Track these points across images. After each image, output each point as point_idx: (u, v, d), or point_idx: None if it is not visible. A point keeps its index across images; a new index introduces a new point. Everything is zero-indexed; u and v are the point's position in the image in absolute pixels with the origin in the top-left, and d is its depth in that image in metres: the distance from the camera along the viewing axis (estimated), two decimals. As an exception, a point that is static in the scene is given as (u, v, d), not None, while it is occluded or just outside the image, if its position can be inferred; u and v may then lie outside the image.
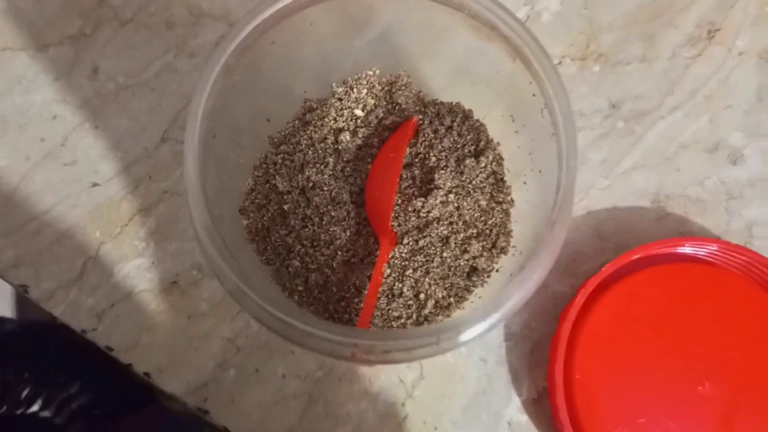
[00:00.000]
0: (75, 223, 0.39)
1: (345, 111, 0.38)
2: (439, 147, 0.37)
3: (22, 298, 0.76)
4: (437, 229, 0.36)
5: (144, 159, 0.40)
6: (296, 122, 0.38)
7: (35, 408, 0.45)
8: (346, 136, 0.37)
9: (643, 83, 0.42)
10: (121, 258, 0.38)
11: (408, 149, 0.38)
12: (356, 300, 0.35)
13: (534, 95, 0.31)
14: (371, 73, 0.38)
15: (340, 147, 0.37)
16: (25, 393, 0.48)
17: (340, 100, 0.38)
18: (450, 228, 0.36)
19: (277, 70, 0.34)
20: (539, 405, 0.37)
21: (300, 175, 0.37)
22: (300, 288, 0.35)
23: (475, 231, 0.36)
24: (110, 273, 0.38)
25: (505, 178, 0.37)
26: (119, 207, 0.39)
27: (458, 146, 0.38)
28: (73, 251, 0.38)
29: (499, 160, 0.37)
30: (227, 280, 0.27)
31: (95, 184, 0.39)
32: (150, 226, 0.39)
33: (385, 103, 0.39)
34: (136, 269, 0.38)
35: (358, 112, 0.38)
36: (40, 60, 0.41)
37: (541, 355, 0.37)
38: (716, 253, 0.37)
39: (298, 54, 0.34)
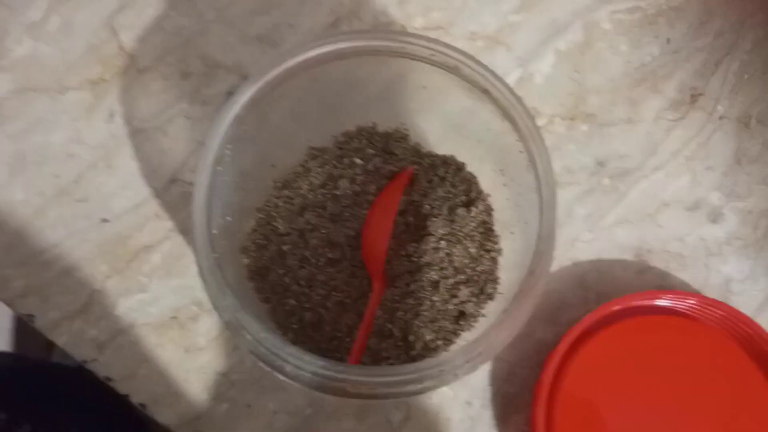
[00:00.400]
0: (83, 257, 0.41)
1: (345, 159, 0.40)
2: (433, 196, 0.39)
3: (18, 332, 0.77)
4: (428, 273, 0.38)
5: (153, 199, 0.42)
6: (299, 168, 0.40)
7: None
8: (344, 183, 0.39)
9: (627, 143, 0.44)
10: (125, 292, 0.40)
11: (403, 197, 0.40)
12: (348, 339, 0.37)
13: (521, 152, 0.33)
14: (371, 125, 0.41)
15: (338, 193, 0.39)
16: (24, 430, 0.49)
17: (340, 149, 0.40)
18: (440, 273, 0.38)
19: (283, 121, 0.37)
20: (522, 449, 0.38)
21: (299, 218, 0.39)
22: (295, 326, 0.37)
23: (464, 277, 0.38)
24: (114, 306, 0.40)
25: (494, 228, 0.39)
26: (126, 243, 0.41)
27: (451, 196, 0.40)
28: (79, 283, 0.40)
29: (488, 210, 0.39)
30: (225, 313, 0.28)
31: (105, 220, 0.41)
32: (154, 263, 0.41)
33: (383, 153, 0.41)
34: (139, 303, 0.40)
35: (357, 161, 0.40)
36: (61, 102, 0.44)
37: (524, 399, 0.39)
38: (694, 306, 0.39)
39: (304, 107, 0.36)
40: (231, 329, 0.29)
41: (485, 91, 0.34)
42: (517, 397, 0.39)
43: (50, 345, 0.73)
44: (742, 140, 0.44)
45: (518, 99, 0.32)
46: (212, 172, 0.30)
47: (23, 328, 0.77)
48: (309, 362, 0.27)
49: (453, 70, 0.34)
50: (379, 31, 0.34)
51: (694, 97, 0.45)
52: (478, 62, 0.33)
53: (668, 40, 0.46)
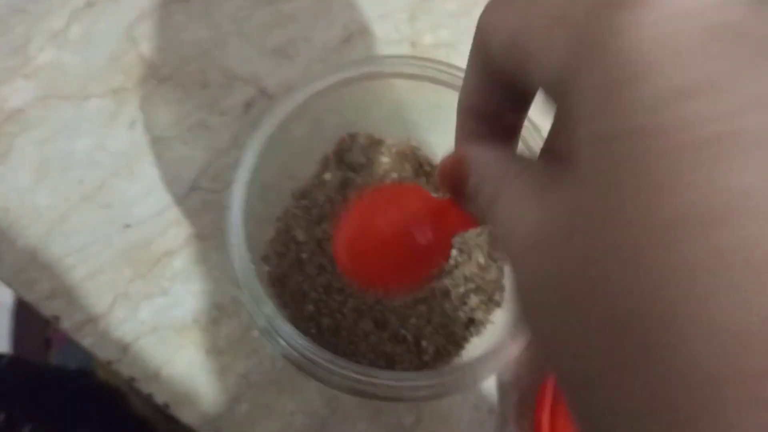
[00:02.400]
0: (107, 261, 0.42)
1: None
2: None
3: (16, 335, 0.78)
4: (440, 282, 0.40)
5: (174, 205, 0.43)
6: (316, 180, 0.42)
7: None
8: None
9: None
10: (148, 295, 0.42)
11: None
12: (364, 344, 0.39)
13: None
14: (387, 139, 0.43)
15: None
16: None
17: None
18: (452, 282, 0.40)
19: (304, 136, 0.38)
20: (526, 449, 0.40)
21: (317, 227, 0.41)
22: (313, 331, 0.39)
23: (473, 285, 0.40)
24: (137, 309, 0.41)
25: (502, 239, 0.41)
26: (149, 248, 0.43)
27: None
28: (104, 287, 0.42)
29: (496, 222, 0.42)
30: (260, 319, 0.30)
31: (128, 226, 0.43)
32: (176, 268, 0.42)
33: (397, 166, 0.43)
34: (161, 307, 0.42)
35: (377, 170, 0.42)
36: (84, 109, 0.45)
37: (530, 404, 0.41)
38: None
39: (324, 123, 0.38)
40: (265, 334, 0.31)
41: None
42: (523, 402, 0.41)
43: (47, 347, 0.74)
44: None
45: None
46: (248, 187, 0.32)
47: (21, 331, 0.77)
48: (343, 367, 0.29)
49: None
50: (394, 57, 0.36)
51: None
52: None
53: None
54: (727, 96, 0.11)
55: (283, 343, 0.30)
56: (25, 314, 0.79)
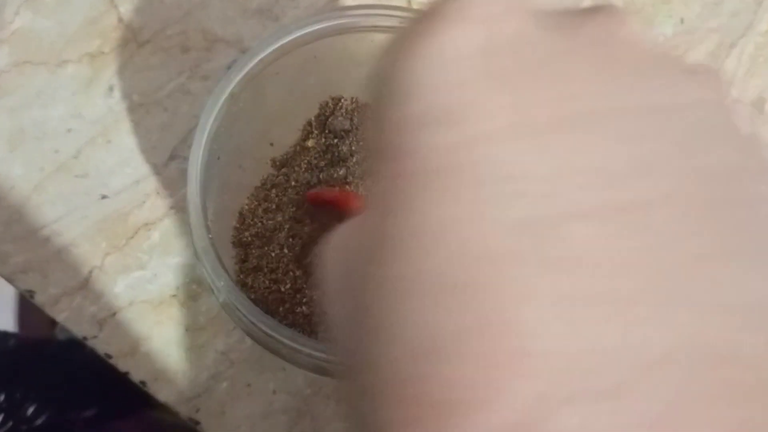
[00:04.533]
0: (83, 233, 0.40)
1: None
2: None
3: (23, 310, 0.78)
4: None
5: (152, 175, 0.42)
6: (297, 147, 0.40)
7: (38, 422, 0.47)
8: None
9: (636, 125, 0.43)
10: (125, 269, 0.40)
11: None
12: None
13: None
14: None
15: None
16: (30, 410, 0.50)
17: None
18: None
19: (281, 99, 0.36)
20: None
21: (297, 198, 0.38)
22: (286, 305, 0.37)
23: None
24: (113, 283, 0.40)
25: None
26: (126, 220, 0.41)
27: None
28: (79, 260, 0.40)
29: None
30: (221, 293, 0.28)
31: (104, 197, 0.41)
32: (154, 240, 0.41)
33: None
34: (138, 281, 0.40)
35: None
36: (59, 75, 0.43)
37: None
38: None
39: (301, 84, 0.36)
40: (227, 310, 0.29)
41: None
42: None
43: (53, 322, 0.74)
44: (756, 125, 0.43)
45: None
46: (208, 150, 0.30)
47: (25, 306, 0.77)
48: (304, 344, 0.27)
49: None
50: (376, 7, 0.33)
51: (707, 79, 0.44)
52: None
53: (682, 20, 0.45)
54: (466, 126, 0.12)
55: (245, 319, 0.28)
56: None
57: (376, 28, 0.33)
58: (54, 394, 0.54)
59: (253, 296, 0.35)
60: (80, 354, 0.57)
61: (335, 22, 0.33)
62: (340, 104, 0.39)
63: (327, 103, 0.39)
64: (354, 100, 0.39)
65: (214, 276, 0.28)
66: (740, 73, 0.44)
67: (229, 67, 0.43)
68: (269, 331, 0.27)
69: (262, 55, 0.32)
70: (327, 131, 0.39)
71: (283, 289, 0.36)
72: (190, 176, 0.29)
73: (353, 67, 0.37)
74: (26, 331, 0.76)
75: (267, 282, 0.36)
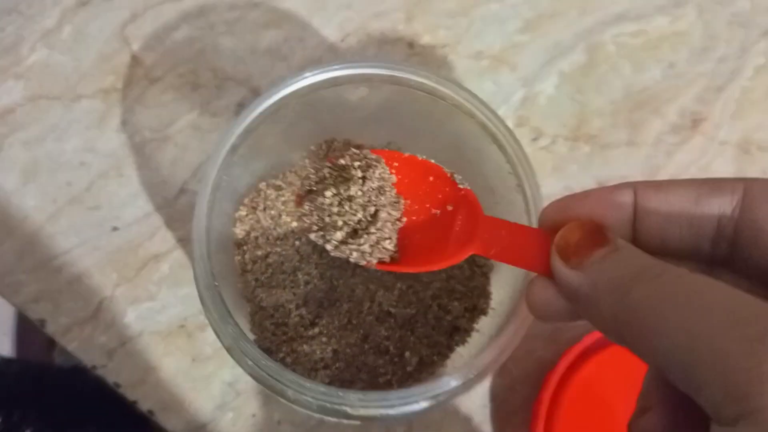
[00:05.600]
0: (94, 264, 0.41)
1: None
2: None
3: (21, 337, 0.78)
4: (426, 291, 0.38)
5: (163, 208, 0.43)
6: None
7: None
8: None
9: (629, 165, 0.45)
10: (135, 300, 0.41)
11: None
12: (336, 366, 0.38)
13: (509, 173, 0.34)
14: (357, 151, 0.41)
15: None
16: None
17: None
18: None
19: (276, 143, 0.37)
20: (518, 464, 0.39)
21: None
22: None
23: (457, 294, 0.39)
24: (123, 313, 0.41)
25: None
26: (136, 252, 0.42)
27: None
28: (90, 290, 0.41)
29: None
30: (226, 339, 0.30)
31: (115, 229, 0.42)
32: (163, 272, 0.42)
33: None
34: (148, 311, 0.41)
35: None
36: (73, 110, 0.45)
37: (523, 418, 0.40)
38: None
39: (297, 129, 0.37)
40: (232, 353, 0.30)
41: (472, 116, 0.35)
42: (516, 415, 0.40)
43: (51, 347, 0.73)
44: (743, 166, 0.45)
45: (503, 124, 0.34)
46: (211, 200, 0.31)
47: (24, 330, 0.77)
48: (309, 388, 0.28)
49: (441, 96, 0.35)
50: (367, 61, 0.35)
51: (696, 122, 0.46)
52: (464, 89, 0.35)
53: (671, 65, 0.47)
54: None
55: (250, 363, 0.29)
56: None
57: (369, 80, 0.35)
58: (52, 416, 0.54)
59: (255, 337, 0.36)
60: (81, 378, 0.57)
61: (329, 75, 0.34)
62: (333, 147, 0.40)
63: (320, 147, 0.40)
64: (347, 142, 0.41)
65: (221, 322, 0.29)
66: (727, 116, 0.46)
67: (240, 104, 0.45)
68: (275, 375, 0.28)
69: (259, 111, 0.33)
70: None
71: (286, 329, 0.37)
72: (195, 225, 0.30)
73: (349, 112, 0.38)
74: (24, 356, 0.76)
75: (270, 325, 0.37)
